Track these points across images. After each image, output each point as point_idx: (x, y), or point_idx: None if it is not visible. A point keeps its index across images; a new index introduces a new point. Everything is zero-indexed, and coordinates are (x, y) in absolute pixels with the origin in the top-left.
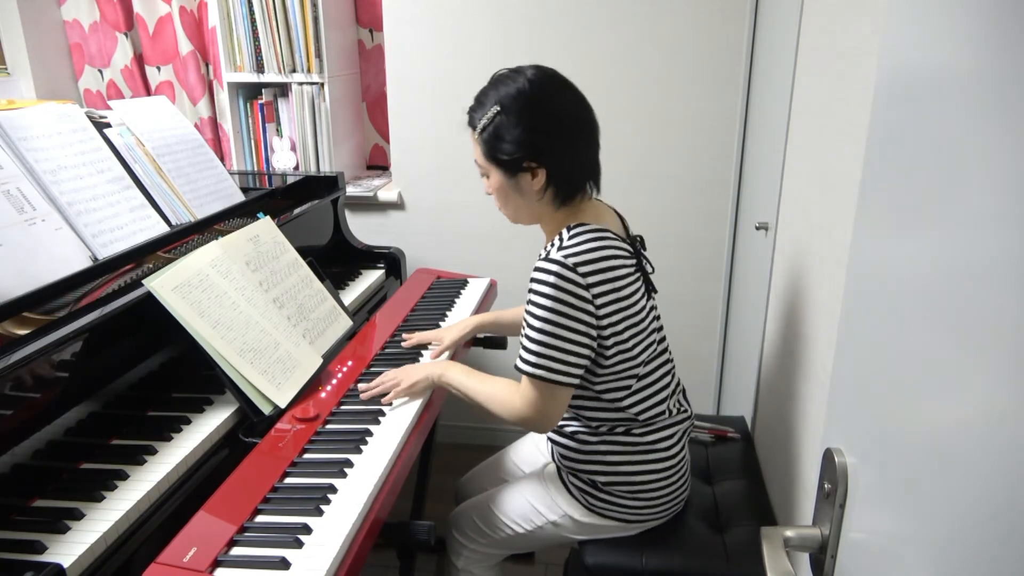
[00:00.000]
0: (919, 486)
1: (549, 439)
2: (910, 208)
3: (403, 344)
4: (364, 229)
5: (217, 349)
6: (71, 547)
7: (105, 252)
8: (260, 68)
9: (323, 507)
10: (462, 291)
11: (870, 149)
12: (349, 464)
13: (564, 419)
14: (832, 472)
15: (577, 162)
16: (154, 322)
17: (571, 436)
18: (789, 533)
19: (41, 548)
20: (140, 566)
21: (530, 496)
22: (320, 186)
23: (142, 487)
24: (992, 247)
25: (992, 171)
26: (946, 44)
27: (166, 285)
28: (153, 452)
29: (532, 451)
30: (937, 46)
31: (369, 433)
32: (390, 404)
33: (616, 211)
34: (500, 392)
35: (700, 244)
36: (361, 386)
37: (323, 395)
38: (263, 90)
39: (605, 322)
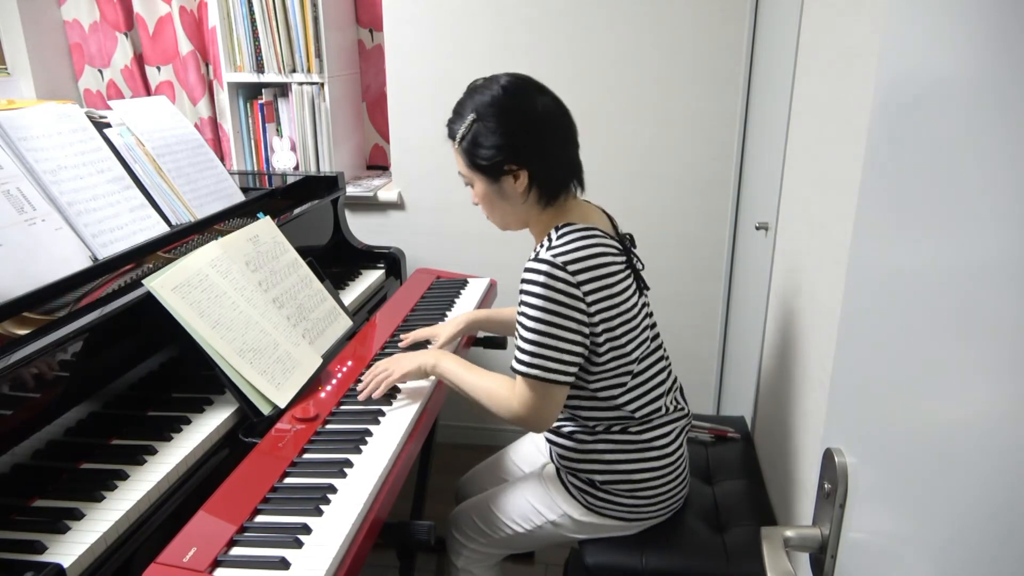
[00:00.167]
0: (919, 486)
1: (547, 440)
2: (910, 208)
3: (400, 344)
4: (364, 229)
5: (217, 349)
6: (71, 547)
7: (105, 252)
8: (260, 68)
9: (323, 507)
10: (462, 291)
11: (870, 149)
12: (349, 464)
13: (561, 420)
14: (832, 472)
15: (557, 161)
16: (154, 322)
17: (568, 436)
18: (789, 533)
19: (41, 548)
20: (140, 566)
21: (530, 496)
22: (320, 186)
23: (142, 487)
24: (992, 247)
25: (992, 171)
26: (946, 44)
27: (166, 285)
28: (153, 452)
29: (532, 451)
30: (937, 46)
31: (369, 433)
32: (387, 400)
33: (604, 210)
34: (495, 389)
35: (700, 244)
36: (359, 387)
37: (323, 395)
38: (263, 90)
39: (597, 319)
